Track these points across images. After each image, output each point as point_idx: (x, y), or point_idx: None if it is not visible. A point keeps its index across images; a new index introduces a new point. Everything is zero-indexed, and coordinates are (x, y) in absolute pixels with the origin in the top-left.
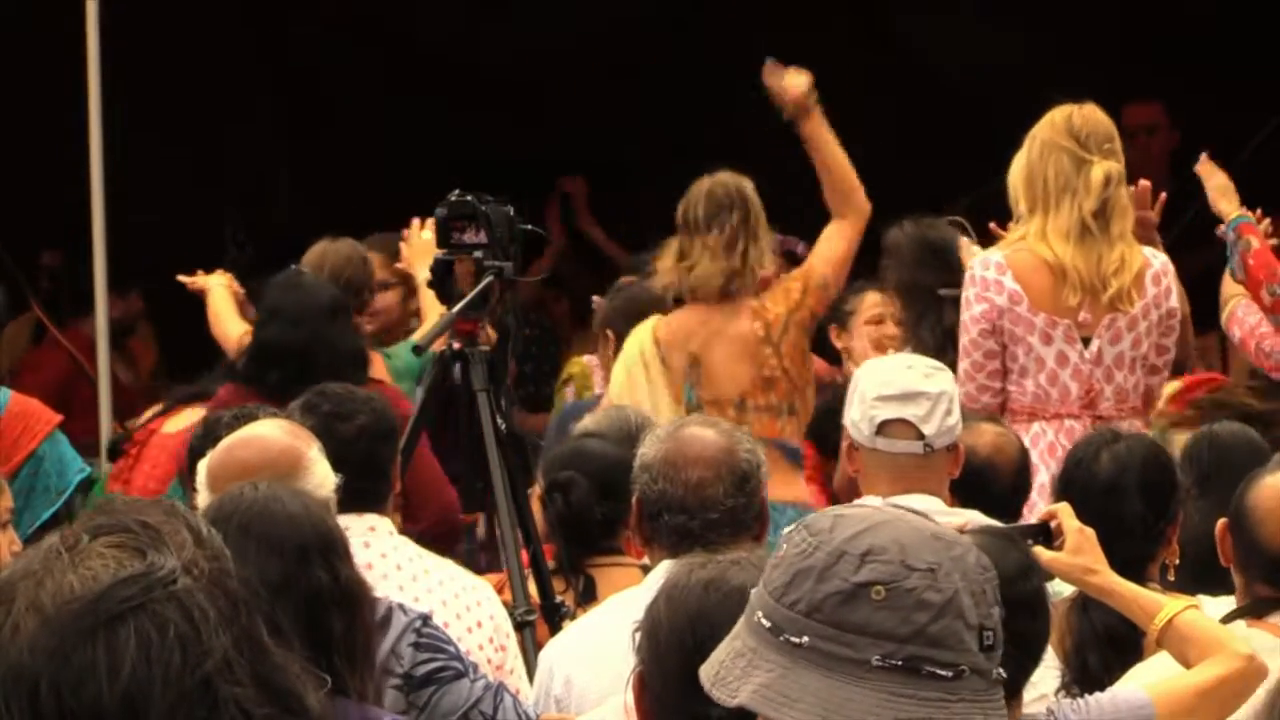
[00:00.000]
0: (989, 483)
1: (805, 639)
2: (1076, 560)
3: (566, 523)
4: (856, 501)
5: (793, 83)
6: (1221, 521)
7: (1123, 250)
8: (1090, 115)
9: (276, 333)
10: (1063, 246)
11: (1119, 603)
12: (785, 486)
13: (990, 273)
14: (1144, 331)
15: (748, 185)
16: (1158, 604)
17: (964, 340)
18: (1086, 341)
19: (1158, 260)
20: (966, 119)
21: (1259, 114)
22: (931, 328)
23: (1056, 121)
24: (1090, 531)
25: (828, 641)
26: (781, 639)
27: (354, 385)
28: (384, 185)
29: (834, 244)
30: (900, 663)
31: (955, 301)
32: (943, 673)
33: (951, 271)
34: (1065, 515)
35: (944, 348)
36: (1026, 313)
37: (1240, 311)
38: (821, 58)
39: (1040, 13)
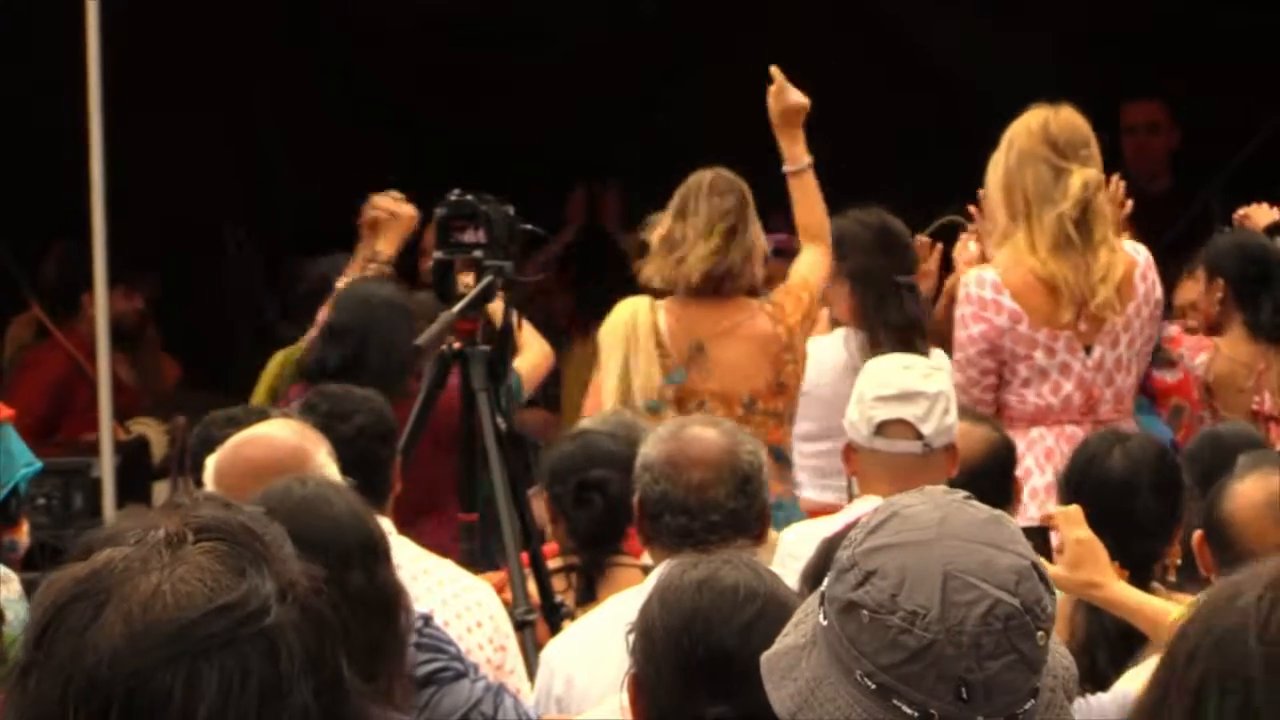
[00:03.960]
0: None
1: (825, 622)
2: (1077, 575)
3: (602, 521)
4: (948, 492)
5: (796, 98)
6: (1197, 534)
7: (1106, 256)
8: (1067, 120)
9: (334, 317)
10: (1050, 258)
11: (1125, 612)
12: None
13: (987, 292)
14: (1138, 330)
15: (744, 183)
16: (1165, 611)
17: (959, 356)
18: (1088, 349)
19: (1141, 255)
20: (965, 118)
21: (1258, 113)
22: (895, 313)
23: (1033, 128)
24: (1092, 541)
25: (835, 637)
26: (821, 610)
27: (400, 379)
28: (384, 185)
29: (818, 272)
30: (874, 686)
31: (913, 289)
32: (908, 710)
33: (905, 258)
34: (1064, 525)
35: (910, 336)
36: (1028, 330)
37: None
38: (819, 58)
39: (1040, 12)
